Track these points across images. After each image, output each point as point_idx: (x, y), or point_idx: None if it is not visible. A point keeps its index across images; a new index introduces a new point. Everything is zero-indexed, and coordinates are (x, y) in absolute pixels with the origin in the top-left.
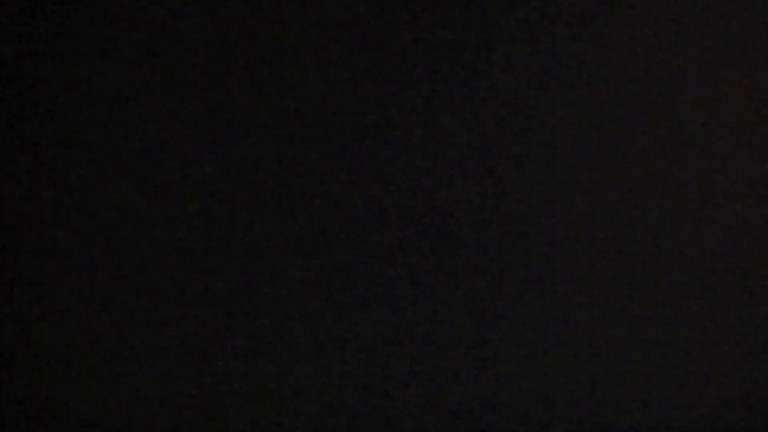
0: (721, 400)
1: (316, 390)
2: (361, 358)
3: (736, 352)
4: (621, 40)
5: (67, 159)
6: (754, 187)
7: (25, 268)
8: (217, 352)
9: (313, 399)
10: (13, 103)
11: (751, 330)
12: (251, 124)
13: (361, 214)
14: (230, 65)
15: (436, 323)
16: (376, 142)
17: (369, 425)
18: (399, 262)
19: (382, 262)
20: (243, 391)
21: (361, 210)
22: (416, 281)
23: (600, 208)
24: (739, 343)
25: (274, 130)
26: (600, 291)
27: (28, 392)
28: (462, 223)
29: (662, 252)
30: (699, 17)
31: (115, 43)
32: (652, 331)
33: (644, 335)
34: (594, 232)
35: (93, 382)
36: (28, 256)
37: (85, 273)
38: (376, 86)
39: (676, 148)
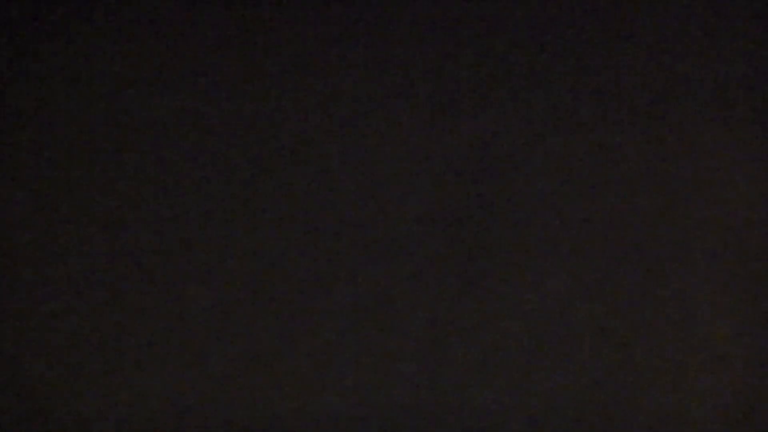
0: (722, 401)
1: (315, 391)
2: (360, 358)
3: (737, 352)
4: (622, 40)
5: (66, 158)
6: (754, 186)
7: (24, 268)
8: (217, 352)
9: (313, 399)
10: (13, 102)
11: (752, 329)
12: (251, 122)
13: (359, 215)
14: (230, 63)
15: (436, 324)
16: (376, 141)
17: (368, 425)
18: (398, 262)
19: (381, 260)
20: (243, 392)
21: (360, 210)
22: (416, 280)
23: (599, 207)
24: (740, 342)
25: (273, 129)
26: (600, 290)
27: (27, 392)
28: (460, 223)
29: (662, 251)
30: (700, 18)
31: (113, 42)
32: (652, 331)
33: (644, 335)
34: (593, 230)
35: (92, 383)
36: (28, 257)
37: (85, 273)
38: (377, 85)
39: (676, 147)
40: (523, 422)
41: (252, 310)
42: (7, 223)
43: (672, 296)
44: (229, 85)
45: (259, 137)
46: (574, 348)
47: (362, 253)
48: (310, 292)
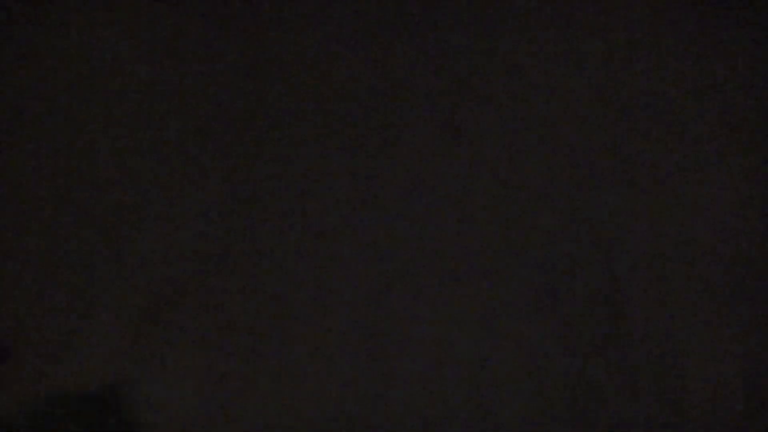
0: (720, 401)
1: (313, 390)
2: (357, 357)
3: (736, 352)
4: (620, 38)
5: (67, 159)
6: (753, 186)
7: (25, 269)
8: (218, 352)
9: (311, 399)
10: (13, 102)
11: (752, 330)
12: (250, 122)
13: (357, 214)
14: (230, 63)
15: (434, 323)
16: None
17: (364, 426)
18: (397, 260)
19: (380, 260)
20: (243, 392)
21: (358, 210)
22: (413, 280)
23: (599, 206)
24: (739, 343)
25: (273, 129)
26: (599, 290)
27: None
28: (460, 222)
29: (661, 251)
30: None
31: (114, 42)
32: (651, 331)
33: (643, 335)
34: (594, 229)
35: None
36: (28, 257)
37: (85, 273)
38: (378, 83)
39: (674, 146)
40: (522, 423)
41: (252, 310)
42: (7, 223)
43: (671, 296)
44: (231, 85)
45: (259, 136)
46: (574, 348)
47: (359, 253)
48: (310, 292)
